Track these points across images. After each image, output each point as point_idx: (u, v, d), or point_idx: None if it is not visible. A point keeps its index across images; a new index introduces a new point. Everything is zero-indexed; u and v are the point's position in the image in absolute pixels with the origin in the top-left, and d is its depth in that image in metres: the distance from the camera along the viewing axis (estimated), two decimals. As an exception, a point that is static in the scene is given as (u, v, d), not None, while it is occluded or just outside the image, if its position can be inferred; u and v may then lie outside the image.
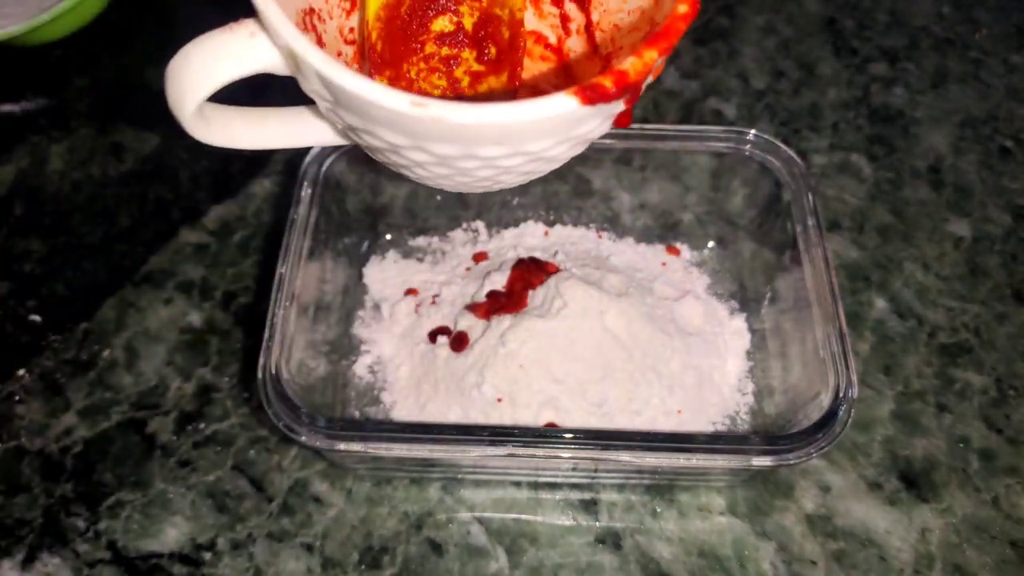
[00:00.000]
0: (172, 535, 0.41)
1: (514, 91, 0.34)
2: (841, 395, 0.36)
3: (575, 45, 0.34)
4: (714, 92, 0.61)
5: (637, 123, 0.44)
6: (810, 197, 0.42)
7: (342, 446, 0.35)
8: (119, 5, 0.63)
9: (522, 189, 0.49)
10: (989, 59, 0.63)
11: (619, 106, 0.26)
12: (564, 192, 0.50)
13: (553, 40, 0.35)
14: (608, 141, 0.45)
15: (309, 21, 0.29)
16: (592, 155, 0.46)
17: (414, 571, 0.40)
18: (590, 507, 0.42)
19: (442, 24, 0.33)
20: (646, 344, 0.42)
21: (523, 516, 0.42)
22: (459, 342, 0.43)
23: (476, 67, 0.34)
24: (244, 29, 0.26)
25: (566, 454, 0.35)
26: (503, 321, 0.42)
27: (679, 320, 0.46)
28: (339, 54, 0.32)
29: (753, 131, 0.44)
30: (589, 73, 0.33)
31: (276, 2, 0.24)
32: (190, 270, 0.51)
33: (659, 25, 0.25)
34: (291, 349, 0.37)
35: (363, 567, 0.40)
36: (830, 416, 0.35)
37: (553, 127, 0.25)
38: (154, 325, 0.48)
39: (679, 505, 0.42)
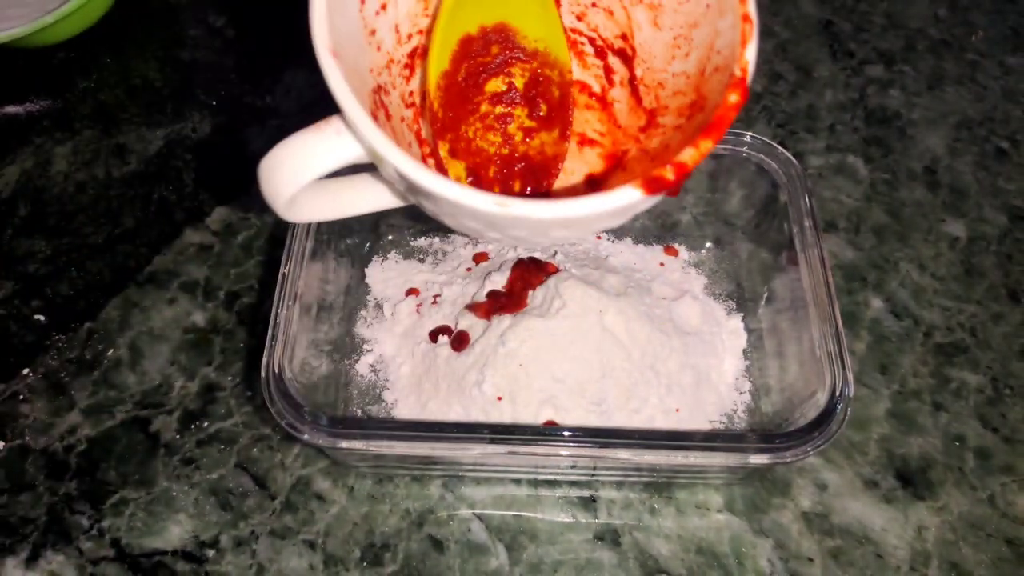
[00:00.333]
0: (176, 532, 0.42)
1: (565, 143, 0.36)
2: (837, 394, 0.36)
3: (619, 96, 0.35)
4: (712, 94, 0.61)
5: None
6: (807, 198, 0.42)
7: (344, 444, 0.35)
8: (122, 7, 0.63)
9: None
10: (985, 61, 0.64)
11: None
12: (564, 193, 0.51)
13: (597, 89, 0.36)
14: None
15: (378, 99, 0.30)
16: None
17: (415, 568, 0.41)
18: (589, 504, 0.43)
19: (495, 85, 0.35)
20: (644, 343, 0.43)
21: (523, 513, 0.42)
22: (460, 341, 0.43)
23: (528, 123, 0.35)
24: (331, 128, 0.27)
25: (565, 452, 0.36)
26: (503, 321, 0.43)
27: (677, 320, 0.46)
28: (402, 119, 0.33)
29: (750, 133, 0.44)
30: (633, 123, 0.34)
31: (358, 100, 0.25)
32: (194, 270, 0.51)
33: (712, 113, 0.26)
34: (294, 348, 0.38)
35: (365, 564, 0.41)
36: (827, 415, 0.36)
37: (617, 213, 0.26)
38: (158, 325, 0.49)
39: (677, 502, 0.43)
